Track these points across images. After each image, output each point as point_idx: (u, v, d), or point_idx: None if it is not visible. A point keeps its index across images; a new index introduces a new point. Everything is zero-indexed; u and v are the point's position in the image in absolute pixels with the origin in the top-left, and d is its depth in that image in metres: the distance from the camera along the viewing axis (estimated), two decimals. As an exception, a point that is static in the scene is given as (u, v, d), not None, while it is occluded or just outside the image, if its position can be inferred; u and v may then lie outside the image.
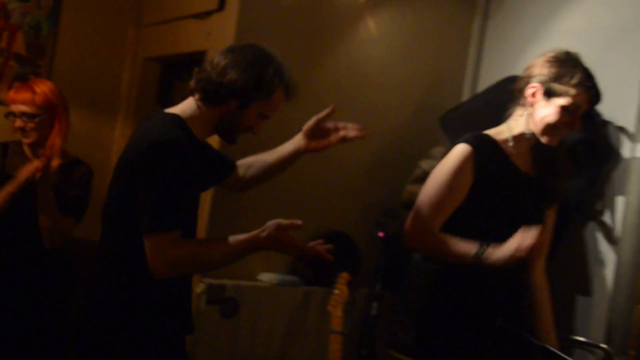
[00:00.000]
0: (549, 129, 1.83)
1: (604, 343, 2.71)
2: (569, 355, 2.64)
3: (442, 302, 2.00)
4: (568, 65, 1.81)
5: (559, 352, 1.64)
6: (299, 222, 1.69)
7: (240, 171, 2.13)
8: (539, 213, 1.95)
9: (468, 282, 1.93)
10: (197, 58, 2.93)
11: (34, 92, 2.40)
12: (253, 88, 1.72)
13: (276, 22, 2.96)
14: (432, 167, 2.90)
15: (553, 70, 1.81)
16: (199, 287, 2.79)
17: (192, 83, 1.77)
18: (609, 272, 2.84)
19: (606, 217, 2.90)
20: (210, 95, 1.73)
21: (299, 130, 2.16)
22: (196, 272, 1.85)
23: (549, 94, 1.81)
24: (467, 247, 1.78)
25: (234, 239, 1.71)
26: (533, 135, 1.87)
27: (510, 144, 1.88)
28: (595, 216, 2.94)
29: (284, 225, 1.68)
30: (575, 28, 3.08)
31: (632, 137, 2.78)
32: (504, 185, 1.88)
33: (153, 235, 1.64)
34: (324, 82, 3.14)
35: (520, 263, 1.94)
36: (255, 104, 1.76)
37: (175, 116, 1.75)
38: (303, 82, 2.74)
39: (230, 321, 2.86)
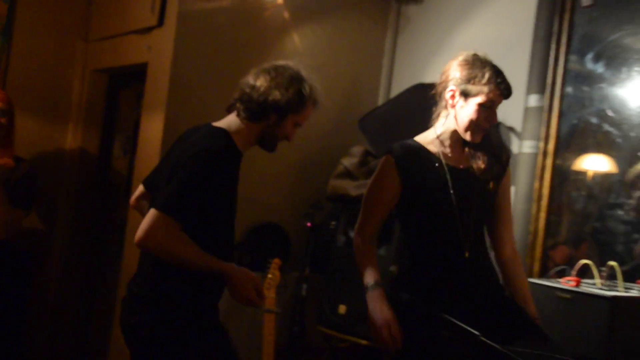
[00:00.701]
0: (471, 126, 1.87)
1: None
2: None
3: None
4: (477, 66, 1.86)
5: (455, 321, 1.67)
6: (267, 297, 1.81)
7: None
8: (483, 199, 1.96)
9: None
10: (139, 69, 3.10)
11: (2, 93, 2.54)
12: (294, 104, 1.90)
13: (210, 36, 3.07)
14: (352, 164, 3.17)
15: (465, 72, 1.86)
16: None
17: (237, 105, 1.92)
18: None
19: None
20: (254, 113, 1.88)
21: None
22: (170, 262, 1.89)
23: (466, 94, 1.86)
24: (370, 275, 1.88)
25: (212, 258, 1.81)
26: (457, 133, 1.92)
27: (439, 142, 1.94)
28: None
29: (256, 286, 1.85)
30: (470, 42, 3.11)
31: (519, 135, 3.02)
32: (435, 182, 1.91)
33: (159, 212, 1.73)
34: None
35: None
36: (291, 116, 1.92)
37: (222, 130, 1.89)
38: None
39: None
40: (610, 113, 2.87)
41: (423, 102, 2.68)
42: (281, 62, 2.03)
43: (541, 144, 2.90)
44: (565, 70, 2.90)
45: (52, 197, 3.39)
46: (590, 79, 2.92)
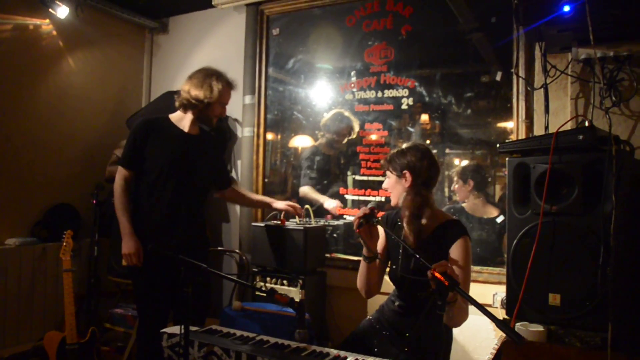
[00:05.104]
0: None
1: (238, 249, 3.49)
2: (221, 262, 3.49)
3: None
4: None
5: (185, 258, 1.75)
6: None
7: (231, 195, 2.80)
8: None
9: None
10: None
11: None
12: (210, 95, 2.36)
13: (-2, 61, 3.26)
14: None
15: None
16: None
17: (177, 102, 2.44)
18: (237, 207, 3.61)
19: (233, 174, 3.66)
20: (184, 106, 2.44)
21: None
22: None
23: None
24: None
25: (127, 219, 2.38)
26: None
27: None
28: (226, 173, 3.48)
29: (137, 252, 2.36)
30: (203, 61, 3.63)
31: (241, 124, 3.64)
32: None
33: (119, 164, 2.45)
34: (40, 102, 3.54)
35: None
36: (214, 102, 2.37)
37: (165, 115, 2.51)
38: (25, 103, 3.35)
39: (-12, 276, 3.03)
40: (297, 105, 3.43)
41: (171, 103, 3.18)
42: (201, 67, 2.46)
43: (255, 129, 3.51)
44: (267, 78, 3.54)
45: None
46: (283, 83, 3.54)
